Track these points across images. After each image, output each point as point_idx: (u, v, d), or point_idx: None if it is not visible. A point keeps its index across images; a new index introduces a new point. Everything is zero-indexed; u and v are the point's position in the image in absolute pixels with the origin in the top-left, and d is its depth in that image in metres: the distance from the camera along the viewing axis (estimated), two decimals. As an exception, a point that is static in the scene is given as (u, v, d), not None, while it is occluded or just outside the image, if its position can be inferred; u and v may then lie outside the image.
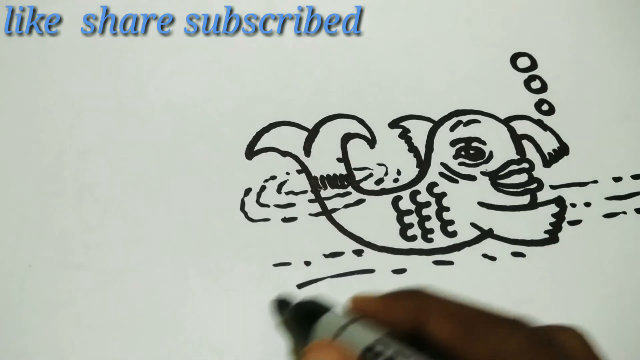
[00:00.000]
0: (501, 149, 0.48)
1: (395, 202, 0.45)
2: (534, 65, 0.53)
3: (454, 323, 0.27)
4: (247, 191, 0.45)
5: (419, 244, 0.44)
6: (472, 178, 0.47)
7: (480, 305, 0.29)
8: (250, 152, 0.47)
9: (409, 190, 0.46)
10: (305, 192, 0.45)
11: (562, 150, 0.48)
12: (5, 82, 0.49)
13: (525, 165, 0.47)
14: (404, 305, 0.30)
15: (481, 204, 0.46)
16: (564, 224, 0.45)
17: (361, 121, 0.49)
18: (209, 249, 0.43)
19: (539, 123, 0.50)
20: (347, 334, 0.30)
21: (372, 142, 0.48)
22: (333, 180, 0.46)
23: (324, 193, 0.45)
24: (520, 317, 0.28)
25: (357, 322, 0.31)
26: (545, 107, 0.50)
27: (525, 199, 0.46)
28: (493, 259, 0.43)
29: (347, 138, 0.48)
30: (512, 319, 0.28)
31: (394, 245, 0.43)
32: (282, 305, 0.38)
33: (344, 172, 0.47)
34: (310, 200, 0.45)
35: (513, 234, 0.44)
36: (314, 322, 0.32)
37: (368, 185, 0.46)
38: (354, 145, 0.48)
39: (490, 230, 0.44)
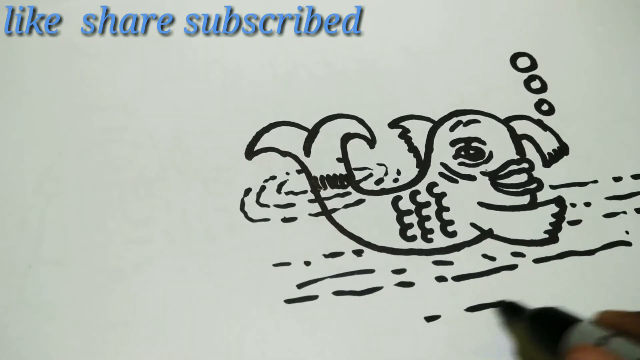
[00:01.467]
0: (501, 149, 0.48)
1: (395, 202, 0.45)
2: (534, 65, 0.53)
3: None
4: (247, 191, 0.45)
5: (419, 244, 0.44)
6: (471, 178, 0.47)
7: None
8: (250, 152, 0.47)
9: (408, 190, 0.46)
10: (305, 192, 0.45)
11: (562, 150, 0.48)
12: (5, 82, 0.49)
13: (525, 165, 0.47)
14: None
15: (481, 204, 0.46)
16: (564, 224, 0.45)
17: (361, 121, 0.49)
18: (209, 249, 0.43)
19: (539, 123, 0.50)
20: (612, 345, 0.30)
21: (372, 142, 0.48)
22: (333, 180, 0.46)
23: (323, 193, 0.45)
24: None
25: (618, 336, 0.31)
26: (545, 107, 0.50)
27: (525, 199, 0.46)
28: (493, 259, 0.43)
29: (347, 138, 0.48)
30: None
31: (394, 245, 0.43)
32: (512, 309, 0.39)
33: (344, 172, 0.47)
34: (310, 200, 0.45)
35: (513, 234, 0.44)
36: (564, 329, 0.33)
37: (368, 185, 0.46)
38: (354, 145, 0.48)
39: (490, 230, 0.44)
